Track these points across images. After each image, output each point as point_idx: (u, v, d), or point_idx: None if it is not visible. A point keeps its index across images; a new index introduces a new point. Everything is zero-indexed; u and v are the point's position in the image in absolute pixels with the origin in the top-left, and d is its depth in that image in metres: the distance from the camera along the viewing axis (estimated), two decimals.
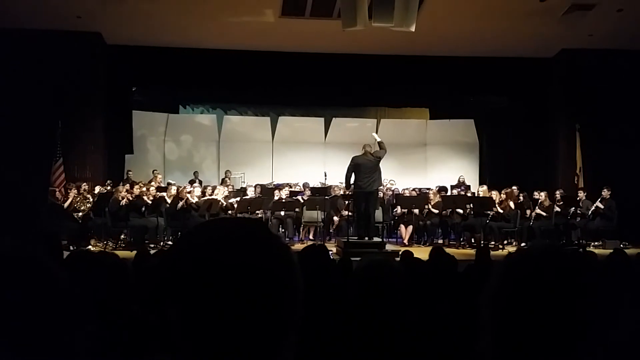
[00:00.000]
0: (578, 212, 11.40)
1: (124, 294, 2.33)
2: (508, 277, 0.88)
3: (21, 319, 0.80)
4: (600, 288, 0.84)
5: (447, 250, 5.33)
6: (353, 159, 9.65)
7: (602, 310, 0.82)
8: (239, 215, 10.57)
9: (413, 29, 9.23)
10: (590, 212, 11.20)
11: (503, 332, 0.85)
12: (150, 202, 10.65)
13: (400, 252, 6.06)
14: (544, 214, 11.23)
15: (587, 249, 9.92)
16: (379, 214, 10.94)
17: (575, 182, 12.54)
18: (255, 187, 12.43)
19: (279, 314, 0.83)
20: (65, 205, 10.27)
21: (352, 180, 9.71)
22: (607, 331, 0.81)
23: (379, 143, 9.93)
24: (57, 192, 10.64)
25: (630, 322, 0.83)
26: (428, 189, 12.93)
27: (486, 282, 0.91)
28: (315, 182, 13.23)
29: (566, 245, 9.89)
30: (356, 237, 9.72)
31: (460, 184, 13.69)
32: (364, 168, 9.48)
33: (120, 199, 10.29)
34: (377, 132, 15.41)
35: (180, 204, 10.64)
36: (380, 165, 9.67)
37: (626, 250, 5.75)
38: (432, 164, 15.71)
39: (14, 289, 0.82)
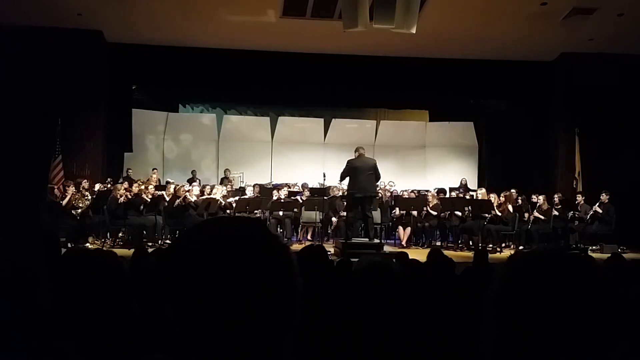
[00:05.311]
0: (576, 216, 11.41)
1: (121, 292, 2.32)
2: (512, 278, 0.88)
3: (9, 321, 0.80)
4: (601, 292, 0.84)
5: (445, 252, 5.33)
6: (349, 162, 9.62)
7: (603, 314, 0.82)
8: (237, 214, 10.56)
9: (414, 31, 9.22)
10: (588, 216, 11.21)
11: (505, 332, 0.85)
12: (148, 200, 10.64)
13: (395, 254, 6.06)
14: (542, 217, 11.24)
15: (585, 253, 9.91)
16: (377, 215, 10.93)
17: (574, 186, 12.54)
18: (254, 186, 12.44)
19: (277, 314, 0.83)
20: (64, 202, 10.25)
21: (346, 182, 9.72)
22: (607, 336, 0.81)
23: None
24: (56, 190, 10.62)
25: (628, 326, 0.83)
26: (427, 190, 12.93)
27: (484, 285, 0.91)
28: (314, 183, 13.22)
29: (567, 250, 9.89)
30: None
31: (462, 187, 13.67)
32: (360, 171, 9.45)
33: (118, 196, 10.27)
34: (376, 134, 15.49)
35: (178, 201, 10.63)
36: (379, 166, 9.64)
37: (624, 255, 5.76)
38: (431, 166, 15.71)
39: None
